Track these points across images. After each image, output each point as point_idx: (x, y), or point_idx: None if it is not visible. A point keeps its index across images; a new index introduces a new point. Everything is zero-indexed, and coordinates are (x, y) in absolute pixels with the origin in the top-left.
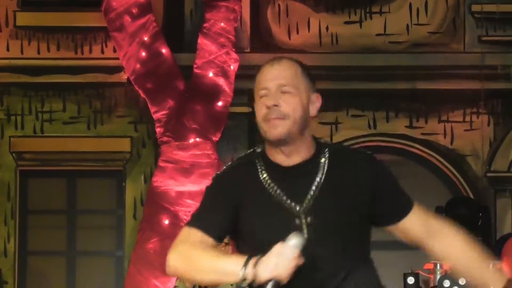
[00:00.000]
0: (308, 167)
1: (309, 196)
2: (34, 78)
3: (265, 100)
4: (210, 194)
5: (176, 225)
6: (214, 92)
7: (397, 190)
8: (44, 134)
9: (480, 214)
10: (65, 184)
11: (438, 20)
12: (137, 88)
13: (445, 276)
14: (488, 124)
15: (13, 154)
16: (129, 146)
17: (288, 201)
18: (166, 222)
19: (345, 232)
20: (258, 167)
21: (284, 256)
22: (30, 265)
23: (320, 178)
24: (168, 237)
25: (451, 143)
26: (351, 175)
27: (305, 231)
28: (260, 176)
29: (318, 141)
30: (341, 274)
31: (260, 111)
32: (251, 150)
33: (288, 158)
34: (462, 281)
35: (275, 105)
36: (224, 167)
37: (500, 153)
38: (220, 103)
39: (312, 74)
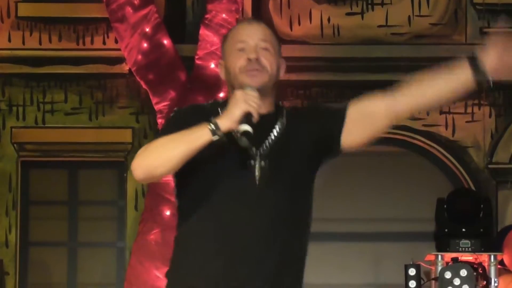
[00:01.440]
0: (269, 119)
1: (266, 143)
2: (35, 69)
3: (244, 53)
4: (169, 125)
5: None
6: (215, 83)
7: (331, 107)
8: (45, 125)
9: (482, 206)
10: (67, 175)
11: (440, 12)
12: (138, 79)
13: (446, 267)
14: (490, 116)
15: (15, 145)
16: (131, 137)
17: (247, 143)
18: (168, 213)
19: (293, 182)
20: (222, 110)
21: (242, 95)
22: (32, 256)
23: (279, 129)
24: (170, 228)
25: (453, 134)
26: (303, 129)
27: (257, 172)
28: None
29: (278, 103)
30: (279, 229)
31: (237, 62)
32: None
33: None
34: (463, 273)
35: (257, 58)
36: (188, 105)
37: (502, 145)
38: (221, 94)
39: (315, 65)
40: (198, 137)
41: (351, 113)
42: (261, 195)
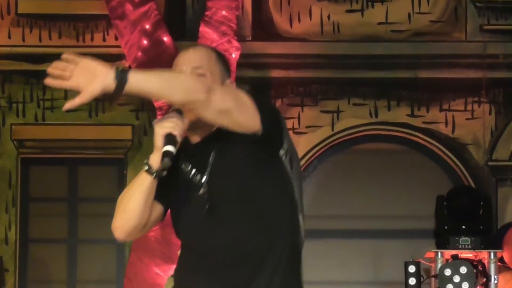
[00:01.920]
0: (209, 141)
1: (208, 168)
2: (35, 65)
3: None
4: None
5: None
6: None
7: None
8: (45, 122)
9: (482, 203)
10: (67, 172)
11: (439, 9)
12: None
13: (446, 264)
14: (490, 113)
15: (15, 142)
16: (131, 134)
17: (195, 174)
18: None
19: (241, 192)
20: (182, 146)
21: (157, 123)
22: (31, 253)
23: (217, 149)
24: (169, 226)
25: (453, 132)
26: (234, 141)
27: (206, 199)
28: (181, 155)
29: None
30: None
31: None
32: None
33: (197, 135)
34: (463, 270)
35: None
36: None
37: (502, 142)
38: None
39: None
40: (141, 181)
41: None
42: (211, 219)
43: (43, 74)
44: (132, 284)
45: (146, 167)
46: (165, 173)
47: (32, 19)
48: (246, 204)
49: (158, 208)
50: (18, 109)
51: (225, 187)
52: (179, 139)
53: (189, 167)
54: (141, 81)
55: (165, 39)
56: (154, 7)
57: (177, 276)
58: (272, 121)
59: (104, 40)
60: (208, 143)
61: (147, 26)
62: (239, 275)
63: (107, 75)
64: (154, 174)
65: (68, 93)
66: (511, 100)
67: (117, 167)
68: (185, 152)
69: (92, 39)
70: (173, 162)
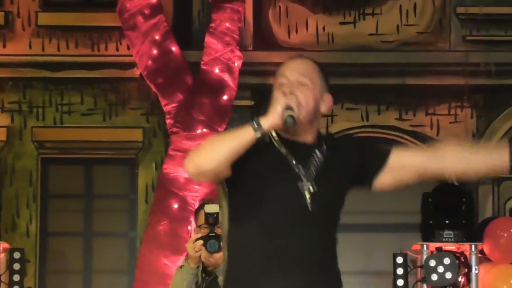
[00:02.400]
0: (310, 147)
1: (312, 168)
2: (54, 73)
3: (283, 88)
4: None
5: (184, 209)
6: (219, 86)
7: (374, 147)
8: (63, 125)
9: (464, 199)
10: (83, 171)
11: (425, 21)
12: (149, 83)
13: (431, 256)
14: (471, 117)
15: (35, 143)
16: (142, 136)
17: (296, 165)
18: (175, 206)
19: (331, 209)
20: (274, 136)
21: (281, 94)
22: (50, 245)
23: (320, 156)
24: (177, 220)
25: (437, 134)
26: (343, 156)
27: (306, 193)
28: (273, 139)
29: (320, 133)
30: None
31: (277, 95)
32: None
33: (304, 137)
34: (446, 261)
35: (292, 93)
36: None
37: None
38: (225, 97)
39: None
40: (242, 134)
41: (391, 161)
42: (312, 220)
43: (61, 81)
44: (143, 274)
45: (255, 124)
46: (267, 139)
47: (51, 30)
48: (332, 214)
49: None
50: (38, 113)
51: (327, 194)
52: (295, 115)
53: (291, 155)
54: None
55: (173, 48)
56: (163, 19)
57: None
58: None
59: (117, 49)
60: (313, 147)
61: (157, 37)
62: (307, 275)
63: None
64: (259, 134)
65: (84, 99)
66: (491, 105)
67: (129, 166)
68: (282, 141)
69: (106, 48)
70: (262, 146)
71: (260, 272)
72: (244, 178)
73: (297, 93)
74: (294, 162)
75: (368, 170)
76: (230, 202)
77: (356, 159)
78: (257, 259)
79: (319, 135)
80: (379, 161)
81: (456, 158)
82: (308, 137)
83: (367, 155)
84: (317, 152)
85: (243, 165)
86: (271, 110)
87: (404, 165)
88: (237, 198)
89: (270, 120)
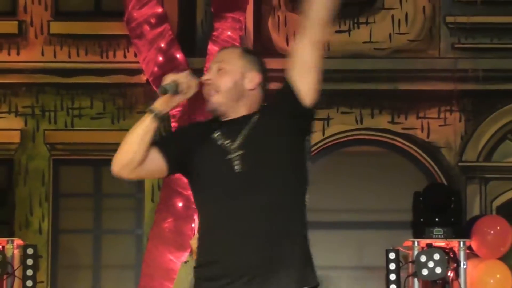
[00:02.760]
0: (244, 120)
1: (240, 137)
2: (65, 79)
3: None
4: (176, 129)
5: (188, 207)
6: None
7: (280, 91)
8: (74, 128)
9: (453, 198)
10: (92, 171)
11: (416, 30)
12: (154, 88)
13: (422, 252)
14: (460, 120)
15: (47, 145)
16: None
17: (225, 142)
18: (180, 204)
19: (273, 163)
20: (212, 123)
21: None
22: (62, 242)
23: (251, 125)
24: (182, 218)
25: (428, 136)
26: (273, 116)
27: (236, 162)
28: (211, 128)
29: (261, 105)
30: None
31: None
32: None
33: (227, 116)
34: (436, 257)
35: (207, 79)
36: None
37: (470, 146)
38: None
39: (262, 62)
40: (142, 120)
41: (293, 78)
42: (243, 181)
43: (72, 86)
44: (149, 269)
45: (149, 108)
46: (159, 111)
47: (62, 39)
48: (276, 176)
49: (159, 160)
50: (50, 117)
51: (259, 154)
52: (183, 90)
53: (221, 136)
54: None
55: (178, 55)
56: (168, 28)
57: (201, 240)
58: (317, 106)
59: (125, 56)
60: (246, 118)
61: (162, 45)
62: (268, 234)
63: None
64: (152, 113)
65: (94, 103)
66: (479, 109)
67: None
68: (217, 125)
69: (114, 55)
70: (202, 135)
71: (215, 248)
72: (188, 168)
73: (213, 78)
74: (223, 140)
75: (292, 106)
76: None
77: (281, 108)
78: (210, 236)
79: (261, 107)
80: (288, 90)
81: (310, 14)
82: (241, 112)
83: (282, 98)
84: (250, 121)
85: (186, 158)
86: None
87: (301, 62)
88: (190, 185)
89: (159, 101)
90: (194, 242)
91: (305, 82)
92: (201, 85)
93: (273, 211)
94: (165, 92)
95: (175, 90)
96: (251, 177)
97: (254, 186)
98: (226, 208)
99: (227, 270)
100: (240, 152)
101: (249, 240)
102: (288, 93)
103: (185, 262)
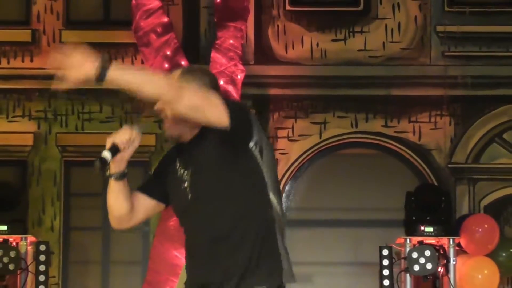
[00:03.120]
0: (191, 144)
1: (191, 163)
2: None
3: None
4: (156, 167)
5: None
6: (224, 97)
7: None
8: (84, 131)
9: (443, 198)
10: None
11: (408, 39)
12: None
13: (413, 249)
14: (450, 124)
15: (59, 147)
16: (154, 141)
17: (181, 171)
18: None
19: (217, 183)
20: (177, 149)
21: (120, 133)
22: (72, 239)
23: (196, 148)
24: None
25: (419, 139)
26: (209, 139)
27: (188, 190)
28: (176, 155)
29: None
30: (225, 226)
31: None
32: None
33: (187, 135)
34: (427, 253)
35: (158, 108)
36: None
37: (459, 148)
38: None
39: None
40: (109, 185)
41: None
42: (195, 207)
43: (83, 91)
44: (155, 264)
45: (107, 174)
46: (116, 173)
47: (73, 46)
48: (222, 194)
49: (150, 202)
50: (62, 121)
51: (204, 180)
52: (121, 147)
53: (178, 164)
54: (121, 73)
55: (182, 63)
56: (174, 36)
57: (186, 259)
58: (240, 117)
59: (132, 63)
60: (193, 142)
61: (168, 52)
62: (224, 254)
63: (92, 66)
64: (112, 177)
65: (103, 108)
66: (468, 113)
67: (143, 168)
68: (179, 151)
69: (122, 62)
70: (172, 165)
71: (190, 262)
72: (166, 198)
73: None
74: (180, 169)
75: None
76: None
77: (211, 135)
78: (188, 257)
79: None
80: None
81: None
82: (187, 136)
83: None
84: (195, 145)
85: (164, 191)
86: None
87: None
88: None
89: (112, 166)
90: None
91: (205, 120)
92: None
93: (227, 225)
94: (103, 162)
95: (115, 152)
96: (201, 202)
97: (205, 209)
98: (192, 231)
99: (200, 281)
100: (189, 180)
101: (212, 256)
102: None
103: None
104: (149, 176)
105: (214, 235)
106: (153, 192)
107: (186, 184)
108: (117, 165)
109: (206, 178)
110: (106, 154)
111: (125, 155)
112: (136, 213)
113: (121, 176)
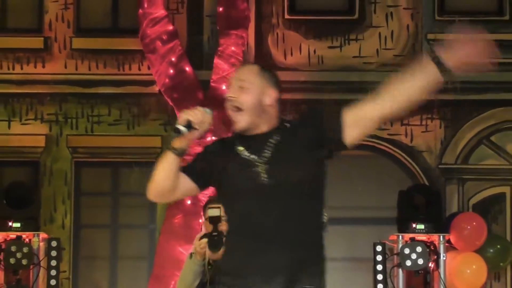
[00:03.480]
0: (268, 135)
1: (267, 152)
2: (86, 89)
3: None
4: (194, 159)
5: (196, 204)
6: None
7: (328, 120)
8: (93, 133)
9: (433, 197)
10: (110, 172)
11: (401, 46)
12: (166, 98)
13: (405, 245)
14: (440, 127)
15: (69, 149)
16: (160, 143)
17: (250, 156)
18: (189, 202)
19: (295, 178)
20: (235, 139)
21: (188, 110)
22: (82, 235)
23: (275, 141)
24: (190, 214)
25: (411, 141)
26: (301, 132)
27: (262, 174)
28: (235, 144)
29: (282, 119)
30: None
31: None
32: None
33: (250, 132)
34: (419, 249)
35: (231, 97)
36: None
37: (449, 150)
38: None
39: (277, 78)
40: (166, 158)
41: (347, 120)
42: (269, 193)
43: (92, 96)
44: (161, 260)
45: (169, 146)
46: (178, 148)
47: (83, 53)
48: (302, 188)
49: (190, 184)
50: (72, 123)
51: (285, 170)
52: (196, 126)
53: (245, 150)
54: None
55: (187, 68)
56: (178, 43)
57: (230, 242)
58: (341, 137)
59: (139, 69)
60: (268, 135)
61: (173, 59)
62: (290, 240)
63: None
64: (174, 151)
65: (111, 111)
66: (457, 117)
67: (149, 168)
68: (240, 140)
69: (130, 68)
70: (227, 151)
71: (243, 251)
72: (217, 182)
73: (237, 96)
74: (248, 154)
75: (330, 135)
76: (218, 197)
77: (314, 130)
78: (239, 241)
79: (281, 121)
80: (337, 124)
81: (396, 92)
82: (263, 128)
83: (323, 124)
84: (274, 137)
85: (215, 174)
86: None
87: (361, 117)
88: (220, 195)
89: (176, 139)
90: (196, 244)
91: (356, 131)
92: (225, 102)
93: (295, 220)
94: (179, 132)
95: (189, 128)
96: (276, 188)
97: (279, 197)
98: (255, 214)
99: (252, 271)
100: (267, 165)
101: (273, 245)
102: (332, 127)
103: (191, 255)
104: (194, 159)
105: (284, 226)
106: (197, 177)
107: (260, 169)
108: (182, 142)
109: (288, 168)
110: (182, 128)
111: (192, 135)
112: (176, 191)
113: (181, 153)
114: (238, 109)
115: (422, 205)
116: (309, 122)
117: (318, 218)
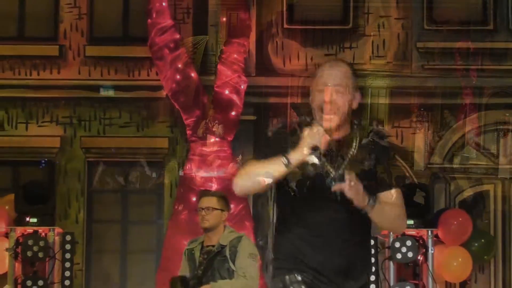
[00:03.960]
0: (343, 143)
1: (342, 167)
2: (98, 94)
3: (324, 95)
4: (268, 147)
5: None
6: (229, 104)
7: (388, 174)
8: (105, 135)
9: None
10: (121, 171)
11: (392, 53)
12: (173, 102)
13: (396, 239)
14: (428, 129)
15: (83, 149)
16: (167, 143)
17: (328, 167)
18: (194, 199)
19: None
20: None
21: (309, 133)
22: (95, 230)
23: (350, 155)
24: (195, 210)
25: (401, 142)
26: (370, 161)
27: (333, 183)
28: (316, 148)
29: (353, 122)
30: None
31: (318, 101)
32: (303, 118)
33: (330, 135)
34: (408, 243)
35: (331, 101)
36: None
37: (437, 151)
38: (233, 113)
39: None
40: (275, 169)
41: (382, 196)
42: (337, 205)
43: (104, 100)
44: (167, 253)
45: (285, 161)
46: (293, 164)
47: (96, 60)
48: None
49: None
50: (86, 125)
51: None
52: (320, 149)
53: (325, 160)
54: None
55: (192, 74)
56: (185, 51)
57: (289, 240)
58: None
59: (148, 75)
60: (344, 144)
61: (180, 65)
62: (348, 244)
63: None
64: (290, 168)
65: (122, 114)
66: (444, 120)
67: (157, 168)
68: (320, 148)
69: (139, 74)
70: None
71: (304, 250)
72: (288, 185)
73: (335, 100)
74: (327, 165)
75: (377, 182)
76: (279, 199)
77: (379, 169)
78: (301, 242)
79: (352, 125)
80: (384, 185)
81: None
82: (341, 133)
83: (380, 174)
84: (342, 146)
85: (289, 176)
86: (300, 147)
87: (381, 201)
88: (282, 195)
89: (297, 158)
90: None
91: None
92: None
93: (354, 226)
94: (317, 162)
95: (317, 155)
96: (344, 201)
97: (344, 205)
98: (320, 217)
99: (311, 267)
100: (336, 173)
101: (333, 246)
102: (383, 181)
103: (187, 249)
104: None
105: (346, 230)
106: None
107: (332, 175)
108: (298, 159)
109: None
110: (314, 159)
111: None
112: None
113: (291, 168)
114: (334, 112)
115: (412, 202)
116: (377, 158)
117: (368, 230)
